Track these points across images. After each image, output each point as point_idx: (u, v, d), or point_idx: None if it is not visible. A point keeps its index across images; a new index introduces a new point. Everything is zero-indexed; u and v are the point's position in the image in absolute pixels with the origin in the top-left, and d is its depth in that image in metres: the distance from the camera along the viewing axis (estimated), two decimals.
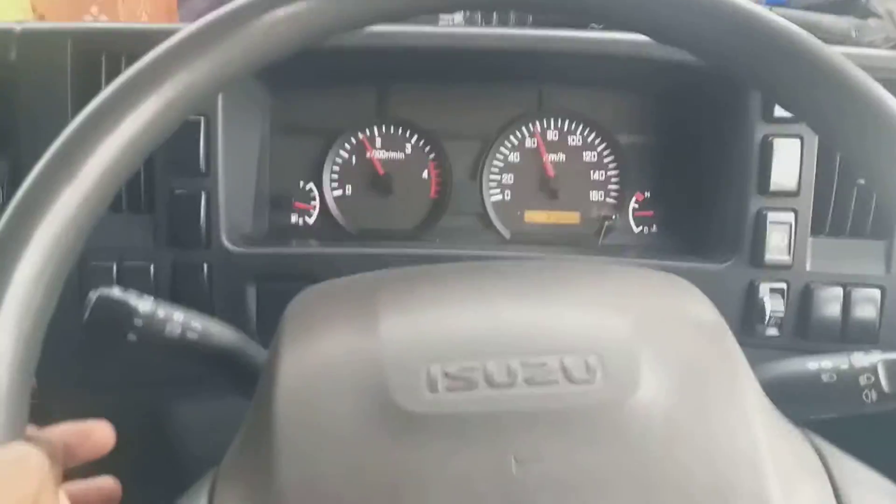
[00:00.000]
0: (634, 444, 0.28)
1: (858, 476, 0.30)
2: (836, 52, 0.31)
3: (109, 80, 0.53)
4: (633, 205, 0.65)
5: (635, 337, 0.32)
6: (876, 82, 0.31)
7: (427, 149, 0.65)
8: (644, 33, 0.34)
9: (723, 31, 0.32)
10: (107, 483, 0.34)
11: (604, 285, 0.37)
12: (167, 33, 0.32)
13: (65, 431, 0.32)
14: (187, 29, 0.31)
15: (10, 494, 0.25)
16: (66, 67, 0.55)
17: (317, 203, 0.65)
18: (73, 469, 0.32)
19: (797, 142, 0.55)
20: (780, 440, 0.30)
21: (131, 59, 0.56)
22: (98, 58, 0.55)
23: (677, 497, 0.27)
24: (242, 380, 0.39)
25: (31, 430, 0.29)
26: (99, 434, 0.32)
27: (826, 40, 0.61)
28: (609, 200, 0.65)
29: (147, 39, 0.51)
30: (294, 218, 0.65)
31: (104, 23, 0.66)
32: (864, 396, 0.36)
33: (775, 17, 0.32)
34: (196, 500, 0.30)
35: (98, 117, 0.30)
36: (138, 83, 0.30)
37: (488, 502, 0.27)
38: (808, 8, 0.63)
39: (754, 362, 0.38)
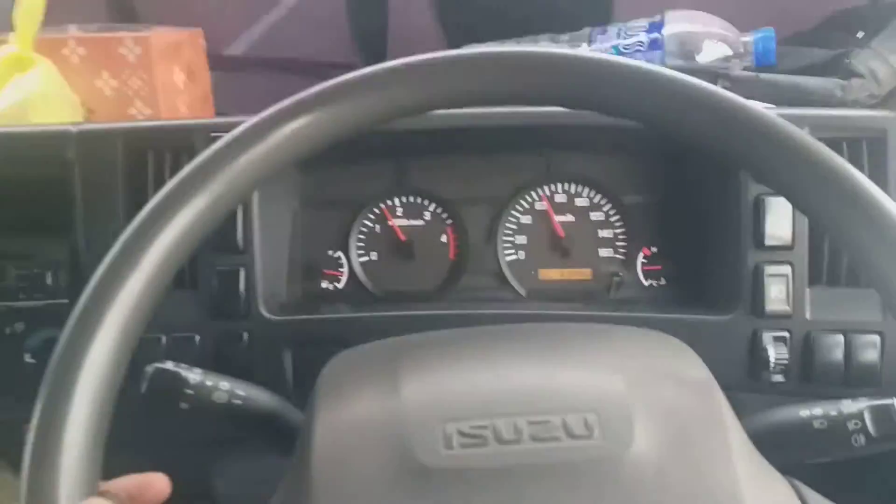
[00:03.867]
0: (629, 494, 0.31)
1: None
2: (800, 131, 0.34)
3: (156, 173, 0.60)
4: (640, 260, 0.69)
5: (630, 395, 0.35)
6: (838, 157, 0.34)
7: (445, 215, 0.70)
8: (630, 119, 0.38)
9: (688, 115, 0.35)
10: None
11: (602, 347, 0.40)
12: (207, 128, 0.37)
13: (128, 483, 0.36)
14: (230, 134, 0.36)
15: None
16: (116, 163, 0.61)
17: (345, 269, 0.70)
18: None
19: None
20: (763, 490, 0.33)
21: (175, 154, 0.62)
22: (146, 153, 0.61)
23: None
24: (282, 440, 0.43)
25: (101, 483, 0.33)
26: (157, 485, 0.36)
27: (812, 102, 0.65)
28: (618, 256, 0.69)
29: (190, 135, 0.58)
30: (324, 284, 0.70)
31: (150, 121, 0.73)
32: (853, 441, 0.38)
33: (742, 102, 0.36)
34: None
35: (156, 215, 0.34)
36: (190, 183, 0.35)
37: None
38: (793, 72, 0.67)
39: (760, 408, 0.41)
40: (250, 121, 0.36)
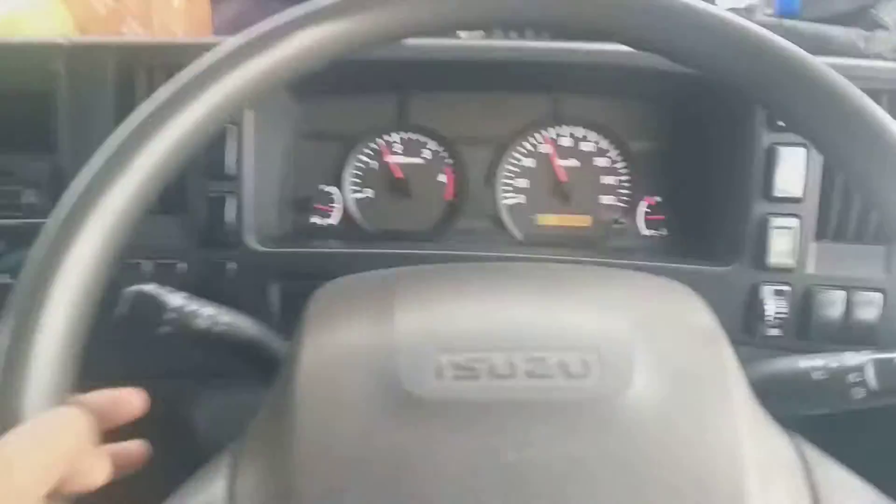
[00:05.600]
0: (622, 437, 0.30)
1: (838, 480, 0.32)
2: (825, 66, 0.33)
3: (147, 91, 0.57)
4: (643, 208, 0.67)
5: (631, 338, 0.33)
6: (864, 94, 0.33)
7: (444, 154, 0.68)
8: (651, 51, 0.36)
9: (718, 48, 0.34)
10: (135, 446, 0.37)
11: (606, 288, 0.39)
12: (203, 47, 0.35)
13: (101, 396, 0.34)
14: (227, 43, 0.34)
15: (56, 450, 0.29)
16: (107, 79, 0.58)
17: (338, 205, 0.68)
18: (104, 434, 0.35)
19: (803, 149, 0.57)
20: (762, 440, 0.32)
21: (169, 72, 0.59)
22: (138, 70, 0.58)
23: (659, 486, 0.29)
24: (265, 369, 0.42)
25: (72, 396, 0.32)
26: (132, 401, 0.35)
27: (834, 52, 0.63)
28: (620, 204, 0.67)
29: (184, 54, 0.55)
30: (316, 219, 0.68)
31: (144, 38, 0.70)
32: (852, 393, 0.37)
33: (767, 34, 0.34)
34: (215, 474, 0.32)
35: (148, 121, 0.33)
36: (185, 91, 0.33)
37: (483, 483, 0.29)
38: (817, 20, 0.65)
39: (754, 361, 0.40)
40: (251, 31, 0.34)
